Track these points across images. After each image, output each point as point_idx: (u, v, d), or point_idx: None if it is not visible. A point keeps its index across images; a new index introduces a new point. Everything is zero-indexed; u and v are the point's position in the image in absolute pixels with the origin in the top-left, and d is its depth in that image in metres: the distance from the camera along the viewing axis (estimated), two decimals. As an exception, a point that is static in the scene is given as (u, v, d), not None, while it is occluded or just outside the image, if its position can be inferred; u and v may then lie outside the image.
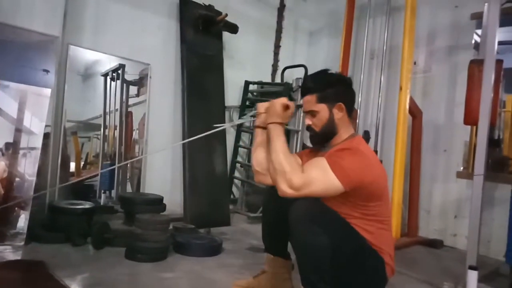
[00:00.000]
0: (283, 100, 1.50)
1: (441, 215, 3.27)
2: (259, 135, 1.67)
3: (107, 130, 4.30)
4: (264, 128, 1.63)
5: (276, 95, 3.59)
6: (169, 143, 3.32)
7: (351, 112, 1.57)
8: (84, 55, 2.95)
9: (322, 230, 1.31)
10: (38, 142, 2.30)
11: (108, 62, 3.19)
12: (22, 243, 2.11)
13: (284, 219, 1.40)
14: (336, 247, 1.31)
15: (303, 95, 1.58)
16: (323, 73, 1.59)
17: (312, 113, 1.53)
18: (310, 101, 1.53)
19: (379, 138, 3.35)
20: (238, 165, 3.77)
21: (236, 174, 3.77)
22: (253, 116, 1.69)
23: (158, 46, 3.27)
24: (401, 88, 3.03)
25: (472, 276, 1.94)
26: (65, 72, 2.77)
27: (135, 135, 4.46)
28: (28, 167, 2.27)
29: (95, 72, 3.23)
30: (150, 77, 3.24)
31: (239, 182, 3.79)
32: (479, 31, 3.04)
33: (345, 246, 1.35)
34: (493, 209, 2.92)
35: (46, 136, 2.51)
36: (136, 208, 2.35)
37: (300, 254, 1.37)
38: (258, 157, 1.65)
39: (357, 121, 3.54)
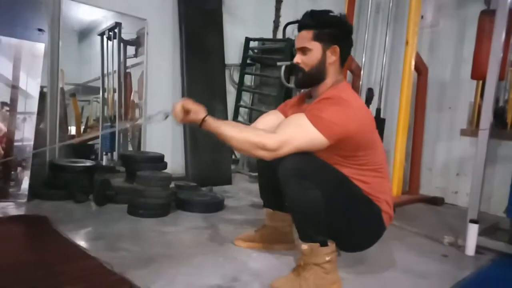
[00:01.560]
0: (178, 106, 1.37)
1: (443, 173, 3.27)
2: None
3: (106, 94, 4.25)
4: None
5: (278, 52, 3.49)
6: (168, 104, 3.25)
7: (344, 61, 1.49)
8: (78, 10, 2.83)
9: (311, 184, 1.29)
10: (34, 105, 2.26)
11: (104, 20, 3.08)
12: (25, 200, 2.13)
13: (277, 174, 1.37)
14: (329, 199, 1.30)
15: (299, 30, 1.49)
16: (325, 11, 1.49)
17: (303, 51, 1.45)
18: (305, 37, 1.44)
19: (382, 95, 3.28)
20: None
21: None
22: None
23: (154, 0, 3.14)
24: (407, 43, 2.92)
25: (473, 229, 1.95)
26: (59, 29, 2.67)
27: (134, 97, 4.40)
28: (26, 130, 2.24)
29: (91, 30, 3.14)
30: (147, 34, 3.14)
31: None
32: (490, -17, 2.91)
33: (338, 197, 1.34)
34: (495, 166, 2.90)
35: (42, 97, 2.46)
36: (137, 166, 2.34)
37: (293, 210, 1.36)
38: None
39: (361, 78, 3.46)
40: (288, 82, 3.34)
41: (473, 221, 1.96)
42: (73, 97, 5.27)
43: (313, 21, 1.44)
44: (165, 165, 2.56)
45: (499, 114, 2.54)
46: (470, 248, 1.94)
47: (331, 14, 1.48)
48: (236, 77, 3.69)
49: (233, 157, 3.72)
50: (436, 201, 3.14)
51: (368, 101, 3.13)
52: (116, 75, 4.24)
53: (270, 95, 3.48)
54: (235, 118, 3.70)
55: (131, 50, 3.36)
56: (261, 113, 3.56)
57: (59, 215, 1.95)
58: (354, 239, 1.45)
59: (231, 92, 3.66)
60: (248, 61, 3.67)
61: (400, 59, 3.02)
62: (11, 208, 2.01)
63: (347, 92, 1.41)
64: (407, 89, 2.93)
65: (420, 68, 3.10)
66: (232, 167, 3.50)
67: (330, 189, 1.32)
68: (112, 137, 4.31)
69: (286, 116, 1.60)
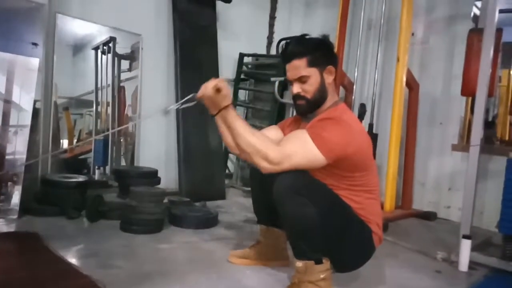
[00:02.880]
0: (212, 83, 1.37)
1: (435, 188, 3.29)
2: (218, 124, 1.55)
3: (99, 107, 4.25)
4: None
5: (271, 67, 3.53)
6: (161, 118, 3.27)
7: (335, 76, 1.52)
8: (73, 25, 2.85)
9: (307, 201, 1.29)
10: (27, 118, 2.25)
11: (99, 34, 3.10)
12: (16, 216, 2.10)
13: (271, 190, 1.37)
14: (323, 217, 1.31)
15: (288, 61, 1.46)
16: (305, 36, 1.50)
17: (301, 80, 1.45)
18: (299, 66, 1.43)
19: (375, 111, 3.32)
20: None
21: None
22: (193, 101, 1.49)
23: (149, 16, 3.17)
24: (398, 60, 2.97)
25: (466, 245, 1.96)
26: (54, 43, 2.68)
27: (128, 111, 4.40)
28: (18, 144, 2.23)
29: (85, 45, 3.15)
30: (142, 49, 3.16)
31: (234, 157, 3.78)
32: (478, 3, 2.99)
33: (331, 216, 1.34)
34: (486, 181, 2.93)
35: (36, 112, 2.45)
36: (130, 181, 2.33)
37: (288, 227, 1.37)
38: (229, 142, 1.56)
39: (353, 93, 3.50)
40: (282, 97, 3.38)
41: (466, 237, 1.97)
42: (66, 111, 5.26)
43: (303, 48, 1.44)
44: (158, 180, 2.55)
45: (489, 129, 2.60)
46: (463, 263, 1.95)
47: (311, 37, 1.49)
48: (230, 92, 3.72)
49: (227, 171, 3.72)
50: (429, 216, 3.15)
51: (361, 116, 3.16)
52: (110, 89, 4.26)
53: (264, 110, 3.50)
54: (228, 133, 3.71)
55: (125, 64, 3.38)
56: (255, 127, 3.60)
57: (51, 232, 1.92)
58: (344, 259, 1.45)
59: (225, 107, 3.68)
60: (242, 76, 3.70)
61: (392, 75, 3.07)
62: (1, 225, 1.98)
63: (348, 115, 1.44)
64: (398, 105, 2.96)
65: (411, 84, 3.15)
66: (226, 181, 3.50)
67: (324, 207, 1.32)
68: (104, 151, 4.30)
69: (284, 132, 1.61)
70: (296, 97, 1.49)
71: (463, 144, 3.14)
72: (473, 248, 2.01)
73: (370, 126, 3.17)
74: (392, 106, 2.99)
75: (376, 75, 3.33)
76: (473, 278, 1.87)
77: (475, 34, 2.40)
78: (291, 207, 1.31)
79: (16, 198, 2.14)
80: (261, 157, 1.29)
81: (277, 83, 3.27)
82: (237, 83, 3.65)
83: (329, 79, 1.46)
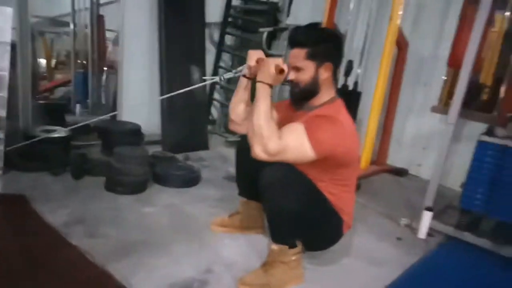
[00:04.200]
0: (279, 62, 1.42)
1: (410, 146, 3.44)
2: (243, 87, 1.63)
3: (76, 29, 4.05)
4: (250, 78, 1.59)
5: (260, 14, 3.38)
6: (145, 67, 3.16)
7: (336, 73, 1.53)
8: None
9: (289, 194, 1.38)
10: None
11: None
12: (0, 172, 2.13)
13: (256, 168, 1.44)
14: (303, 209, 1.41)
15: (291, 46, 1.50)
16: (316, 27, 1.51)
17: (297, 69, 1.48)
18: (298, 56, 1.47)
19: (362, 67, 3.29)
20: (217, 86, 3.70)
21: (216, 95, 3.73)
22: (239, 71, 1.62)
23: None
24: (391, 19, 2.89)
25: (427, 216, 2.15)
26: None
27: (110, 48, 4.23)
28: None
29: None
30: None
31: (218, 104, 3.77)
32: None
33: (311, 208, 1.45)
34: (459, 144, 3.06)
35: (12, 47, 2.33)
36: (113, 139, 2.35)
37: (270, 215, 1.47)
38: (237, 110, 1.66)
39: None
40: (269, 49, 3.29)
41: (428, 209, 2.15)
42: (42, 36, 5.00)
43: (307, 38, 1.45)
44: (142, 138, 2.58)
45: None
46: (422, 232, 2.16)
47: (322, 29, 1.50)
48: (216, 36, 3.59)
49: (210, 117, 3.74)
50: (400, 173, 3.34)
51: (347, 73, 3.15)
52: (88, 13, 4.03)
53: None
54: (213, 79, 3.66)
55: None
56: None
57: (37, 192, 1.99)
58: (315, 243, 1.60)
59: (210, 51, 3.58)
60: (230, 20, 3.54)
61: (383, 30, 2.99)
62: (-14, 183, 2.02)
63: (343, 114, 1.48)
64: (385, 66, 2.94)
65: (401, 44, 3.11)
66: (209, 127, 3.54)
67: (305, 200, 1.42)
68: (84, 85, 4.22)
69: (278, 113, 1.63)
70: (291, 82, 1.53)
71: (442, 107, 3.22)
72: (434, 215, 2.19)
73: (355, 84, 3.18)
74: (379, 66, 2.97)
75: (368, 28, 3.25)
76: (430, 246, 2.08)
77: (471, 4, 2.34)
78: (274, 200, 1.40)
79: (-1, 154, 2.15)
80: (261, 143, 1.34)
81: (265, 34, 3.17)
82: (224, 27, 3.51)
83: (324, 75, 1.47)
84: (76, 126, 2.19)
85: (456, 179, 3.02)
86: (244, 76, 1.62)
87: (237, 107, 1.65)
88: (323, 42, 1.45)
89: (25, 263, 1.42)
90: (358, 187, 2.77)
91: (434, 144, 3.23)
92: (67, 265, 1.45)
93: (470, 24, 2.20)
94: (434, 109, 3.25)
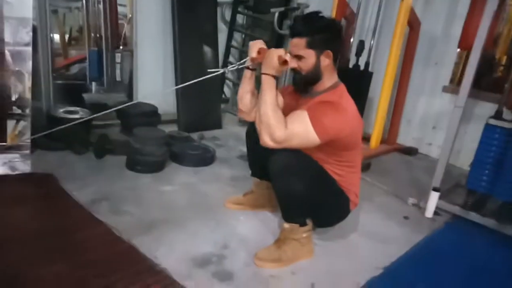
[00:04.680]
0: (281, 52, 1.47)
1: (420, 125, 3.48)
2: (248, 78, 1.68)
3: (88, 4, 4.07)
4: (254, 70, 1.65)
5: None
6: (159, 48, 3.23)
7: (337, 59, 1.59)
8: None
9: (298, 178, 1.48)
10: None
11: None
12: (28, 151, 2.26)
13: (266, 152, 1.51)
14: (312, 191, 1.51)
15: (292, 36, 1.55)
16: (315, 16, 1.54)
17: (298, 57, 1.54)
18: (298, 45, 1.52)
19: (373, 46, 3.30)
20: (230, 65, 3.75)
21: (228, 75, 3.78)
22: (242, 63, 1.67)
23: None
24: (403, -1, 2.88)
25: (434, 196, 2.23)
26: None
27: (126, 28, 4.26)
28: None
29: None
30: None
31: (230, 83, 3.83)
32: None
33: (319, 190, 1.54)
34: (469, 123, 3.10)
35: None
36: (132, 120, 2.45)
37: (281, 198, 1.57)
38: (244, 100, 1.71)
39: (354, 24, 3.43)
40: (281, 29, 3.31)
41: (435, 189, 2.23)
42: (56, 14, 5.07)
43: (305, 28, 1.49)
44: (159, 119, 2.67)
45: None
46: (429, 211, 2.24)
47: (320, 16, 1.52)
48: (228, 16, 3.60)
49: (223, 96, 3.81)
50: (410, 151, 3.40)
51: (358, 54, 3.17)
52: None
53: (262, 39, 3.44)
54: (225, 59, 3.70)
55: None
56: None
57: (63, 170, 2.12)
58: (324, 220, 1.71)
59: (222, 31, 3.61)
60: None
61: (395, 8, 2.99)
62: (17, 162, 2.14)
63: (345, 99, 1.54)
64: (397, 46, 2.96)
65: (413, 24, 3.10)
66: (222, 106, 3.62)
67: (312, 181, 1.51)
68: (99, 62, 4.29)
69: (283, 98, 1.71)
70: (293, 70, 1.58)
71: (453, 87, 3.24)
72: (441, 195, 2.27)
73: (367, 64, 3.20)
74: (390, 46, 2.99)
75: (379, 8, 3.23)
76: (436, 224, 2.17)
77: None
78: (284, 184, 1.50)
79: (27, 134, 2.27)
80: (268, 132, 1.42)
81: (277, 14, 3.18)
82: (235, 6, 3.52)
83: (325, 62, 1.52)
84: (97, 112, 2.28)
85: (466, 158, 3.08)
86: (248, 67, 1.66)
87: (244, 97, 1.71)
88: (322, 31, 1.50)
89: (60, 241, 1.53)
90: (368, 166, 2.85)
91: (444, 123, 3.26)
92: (98, 240, 1.58)
93: (481, 5, 2.20)
94: (446, 89, 3.28)
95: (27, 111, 2.27)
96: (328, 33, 1.51)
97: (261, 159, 1.66)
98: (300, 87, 1.63)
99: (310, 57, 1.52)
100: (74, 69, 4.63)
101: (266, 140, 1.43)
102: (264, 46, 1.58)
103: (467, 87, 2.16)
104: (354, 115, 1.54)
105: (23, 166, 2.12)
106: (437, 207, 2.26)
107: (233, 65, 1.72)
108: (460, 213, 2.26)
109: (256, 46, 1.58)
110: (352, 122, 1.51)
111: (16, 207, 1.75)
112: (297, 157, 1.48)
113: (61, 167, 2.17)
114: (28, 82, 2.27)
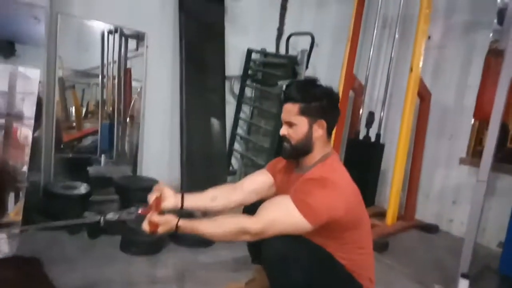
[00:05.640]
0: (145, 224, 1.38)
1: (439, 200, 3.26)
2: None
3: (105, 80, 4.20)
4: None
5: (280, 67, 3.42)
6: (167, 118, 3.23)
7: (331, 131, 1.46)
8: (75, 24, 2.77)
9: (295, 266, 1.29)
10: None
11: (103, 28, 3.01)
12: (18, 230, 2.12)
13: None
14: (315, 281, 1.30)
15: (285, 101, 1.45)
16: (311, 83, 1.46)
17: (290, 124, 1.42)
18: (291, 111, 1.41)
19: (383, 117, 3.23)
20: (238, 137, 3.70)
21: (236, 146, 3.72)
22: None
23: (154, 13, 3.05)
24: (411, 70, 2.86)
25: (464, 285, 1.96)
26: (56, 43, 2.63)
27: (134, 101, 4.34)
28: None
29: (90, 41, 3.08)
30: (147, 47, 3.07)
31: (238, 154, 3.75)
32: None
33: (323, 278, 1.33)
34: (492, 198, 2.88)
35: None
36: (131, 195, 2.33)
37: None
38: (217, 208, 1.66)
39: (363, 97, 3.40)
40: (288, 101, 3.29)
41: (464, 276, 1.97)
42: (73, 89, 5.25)
43: (300, 94, 1.40)
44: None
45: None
46: (459, 302, 1.96)
47: (317, 85, 1.44)
48: (236, 89, 3.63)
49: (231, 168, 3.71)
50: (430, 229, 3.15)
51: (369, 125, 3.09)
52: (116, 66, 4.19)
53: (270, 111, 3.43)
54: (234, 130, 3.66)
55: (132, 44, 3.30)
56: (259, 128, 3.56)
57: (52, 252, 1.96)
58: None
59: (230, 103, 3.62)
60: (250, 73, 3.60)
61: (404, 79, 2.96)
62: (2, 242, 2.00)
63: (334, 171, 1.39)
64: (408, 118, 2.88)
65: (423, 94, 3.05)
66: (229, 178, 3.50)
67: (314, 268, 1.31)
68: (110, 134, 4.32)
69: (274, 178, 1.59)
70: (283, 138, 1.47)
71: (471, 159, 3.08)
72: (470, 282, 2.00)
73: (378, 135, 3.10)
74: (401, 117, 2.91)
75: (388, 78, 3.22)
76: (467, 318, 1.88)
77: (493, 56, 2.29)
78: (278, 275, 1.31)
79: (19, 212, 2.15)
80: (242, 234, 1.29)
81: (284, 87, 3.18)
82: (244, 80, 3.56)
83: (318, 132, 1.41)
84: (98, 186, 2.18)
85: (492, 236, 2.84)
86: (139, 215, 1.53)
87: (213, 208, 1.65)
88: (317, 98, 1.40)
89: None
90: (385, 246, 2.61)
91: (464, 198, 3.06)
92: None
93: (494, 76, 2.13)
94: (463, 161, 3.12)
95: (23, 185, 2.20)
96: (323, 101, 1.40)
97: (259, 245, 1.47)
98: (288, 158, 1.50)
99: (302, 125, 1.40)
100: (87, 141, 4.68)
101: (248, 238, 1.31)
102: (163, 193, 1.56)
103: (488, 159, 2.01)
104: (347, 188, 1.36)
105: (9, 247, 1.98)
106: (467, 296, 1.99)
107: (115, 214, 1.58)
108: (494, 304, 1.98)
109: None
110: (346, 197, 1.33)
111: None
112: (294, 240, 1.30)
113: (51, 247, 2.02)
114: (26, 157, 2.22)
